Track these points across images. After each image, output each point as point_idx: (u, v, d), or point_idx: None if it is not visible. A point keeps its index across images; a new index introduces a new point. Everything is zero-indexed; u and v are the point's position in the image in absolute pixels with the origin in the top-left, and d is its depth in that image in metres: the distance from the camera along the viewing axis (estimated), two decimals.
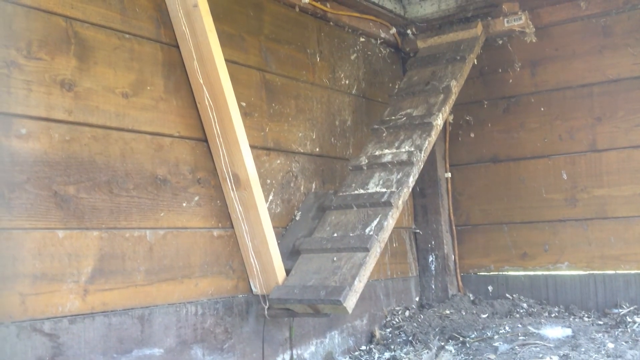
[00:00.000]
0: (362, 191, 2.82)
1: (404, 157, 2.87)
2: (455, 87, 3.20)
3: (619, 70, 3.43)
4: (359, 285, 2.45)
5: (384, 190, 2.76)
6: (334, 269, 2.51)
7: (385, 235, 2.64)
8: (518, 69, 3.70)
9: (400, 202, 2.74)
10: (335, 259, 2.56)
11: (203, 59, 2.46)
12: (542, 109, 3.63)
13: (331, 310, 2.43)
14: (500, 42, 3.66)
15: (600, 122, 3.47)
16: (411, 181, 2.82)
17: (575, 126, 3.54)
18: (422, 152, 2.90)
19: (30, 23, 2.05)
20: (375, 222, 2.64)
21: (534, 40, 3.49)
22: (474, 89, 3.84)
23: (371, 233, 2.60)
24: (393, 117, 3.17)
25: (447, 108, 3.14)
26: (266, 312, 2.58)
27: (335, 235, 2.68)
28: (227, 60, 2.52)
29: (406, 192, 2.79)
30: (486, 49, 3.72)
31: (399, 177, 2.81)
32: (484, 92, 3.81)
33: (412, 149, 2.90)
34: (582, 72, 3.52)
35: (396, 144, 2.98)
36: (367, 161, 2.95)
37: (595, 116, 3.49)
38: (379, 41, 3.68)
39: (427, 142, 2.94)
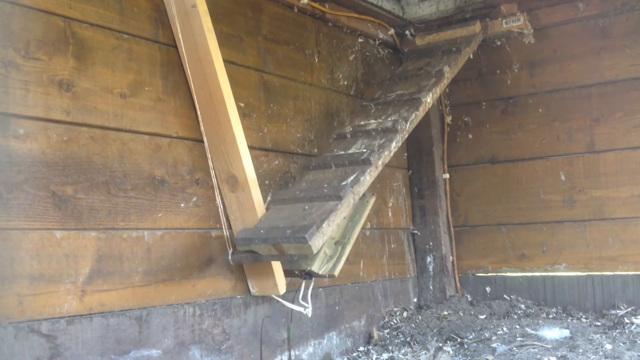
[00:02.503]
0: (342, 152, 2.81)
1: (389, 124, 2.87)
2: (448, 72, 3.20)
3: (617, 71, 3.43)
4: (327, 229, 2.38)
5: (364, 150, 2.76)
6: (304, 215, 2.45)
7: (360, 189, 2.60)
8: (516, 70, 3.70)
9: (380, 162, 2.71)
10: (306, 207, 2.51)
11: (201, 60, 2.46)
12: (541, 110, 3.63)
13: (296, 250, 2.35)
14: (499, 43, 3.66)
15: (599, 123, 3.47)
16: (393, 146, 2.80)
17: (573, 127, 3.54)
18: (408, 122, 2.89)
19: (28, 23, 2.05)
20: (352, 177, 2.61)
21: (532, 42, 3.49)
22: (472, 89, 3.84)
23: (346, 184, 2.56)
24: (383, 96, 3.20)
25: (439, 90, 3.14)
26: (230, 257, 2.49)
27: (310, 188, 2.64)
28: (225, 61, 2.52)
29: (387, 154, 2.76)
30: (484, 50, 3.72)
31: (381, 142, 2.79)
32: (483, 93, 3.81)
33: (398, 119, 2.91)
34: (581, 73, 3.53)
35: (383, 117, 2.99)
36: (351, 129, 2.95)
37: (593, 117, 3.49)
38: (377, 42, 3.68)
39: (413, 115, 2.94)
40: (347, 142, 2.90)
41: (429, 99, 3.05)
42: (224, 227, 2.52)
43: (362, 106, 3.22)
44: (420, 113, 3.00)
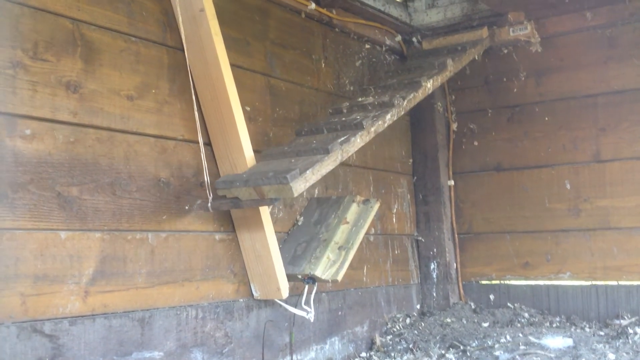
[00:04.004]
0: (336, 120, 2.82)
1: (386, 99, 2.88)
2: (451, 65, 3.20)
3: (623, 81, 3.42)
4: (311, 176, 2.35)
5: (358, 117, 2.76)
6: (290, 165, 2.40)
7: (350, 149, 2.59)
8: (523, 78, 3.70)
9: (372, 129, 2.70)
10: (293, 160, 2.48)
11: (208, 63, 2.47)
12: (547, 118, 3.63)
13: (276, 193, 2.29)
14: (506, 51, 3.65)
15: (605, 132, 3.47)
16: (388, 118, 2.80)
17: (579, 136, 3.53)
18: (405, 100, 2.90)
19: (37, 24, 2.06)
20: (342, 138, 2.59)
21: (539, 50, 3.49)
22: (478, 97, 3.84)
23: (335, 142, 2.54)
24: (384, 82, 3.23)
25: (440, 79, 3.15)
26: (210, 204, 2.41)
27: (299, 145, 2.63)
28: (232, 65, 2.53)
29: (381, 124, 2.76)
30: (491, 58, 3.72)
31: (377, 113, 2.79)
32: (489, 100, 3.81)
33: (396, 95, 2.92)
34: (587, 82, 3.52)
35: (381, 96, 3.00)
36: (348, 105, 2.97)
37: (599, 127, 3.48)
38: (384, 48, 3.68)
39: (412, 95, 2.94)
40: (342, 115, 2.91)
41: (429, 85, 3.06)
42: (205, 173, 2.44)
43: (362, 89, 3.26)
44: (419, 95, 3.00)
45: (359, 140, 2.64)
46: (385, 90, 3.11)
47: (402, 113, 2.92)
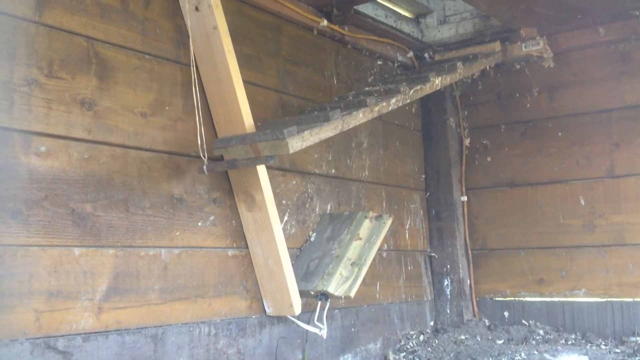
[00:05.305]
0: (340, 101, 2.83)
1: (392, 86, 2.89)
2: (461, 68, 3.20)
3: (637, 96, 3.41)
4: (309, 137, 2.35)
5: (362, 98, 2.76)
6: (288, 126, 2.39)
7: (351, 121, 2.57)
8: (536, 94, 3.69)
9: (376, 108, 2.70)
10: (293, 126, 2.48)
11: (221, 80, 2.48)
12: (560, 134, 3.61)
13: (272, 150, 2.28)
14: (518, 66, 3.65)
15: (619, 148, 3.45)
16: (393, 102, 2.80)
17: (593, 152, 3.51)
18: (412, 89, 2.90)
19: (52, 43, 2.08)
20: (345, 112, 2.59)
21: (551, 66, 3.48)
22: (491, 112, 3.83)
23: (336, 111, 2.54)
24: (391, 79, 3.27)
25: (449, 79, 3.16)
26: (205, 167, 2.38)
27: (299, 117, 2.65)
28: (244, 81, 2.54)
29: (385, 105, 2.76)
30: (503, 74, 3.72)
31: (381, 97, 2.80)
32: (502, 116, 3.80)
33: (402, 83, 2.93)
34: (601, 97, 3.51)
35: (389, 86, 3.01)
36: (354, 92, 2.98)
37: (613, 142, 3.46)
38: (396, 64, 3.69)
39: (419, 87, 2.95)
40: (348, 99, 2.91)
41: (437, 81, 3.06)
42: (200, 136, 2.42)
43: (369, 85, 3.29)
44: (426, 88, 3.01)
45: (361, 115, 2.63)
46: (392, 83, 3.13)
47: (408, 101, 2.92)
